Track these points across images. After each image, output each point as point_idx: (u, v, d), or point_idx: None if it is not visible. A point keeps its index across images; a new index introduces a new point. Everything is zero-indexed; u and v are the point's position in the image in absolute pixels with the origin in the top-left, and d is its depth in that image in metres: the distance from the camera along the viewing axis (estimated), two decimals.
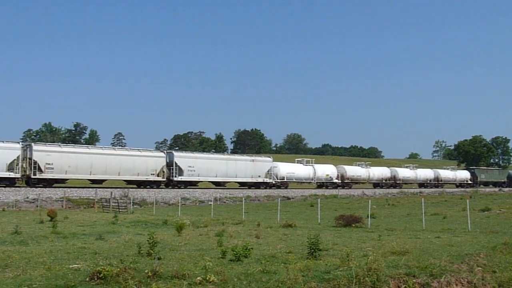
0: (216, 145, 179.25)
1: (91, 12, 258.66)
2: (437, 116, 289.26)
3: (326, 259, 11.92)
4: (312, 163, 67.18)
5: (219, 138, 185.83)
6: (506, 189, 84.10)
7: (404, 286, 10.01)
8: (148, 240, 12.59)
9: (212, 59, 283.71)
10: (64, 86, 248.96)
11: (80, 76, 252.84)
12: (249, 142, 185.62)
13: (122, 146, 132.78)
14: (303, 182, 64.67)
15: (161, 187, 49.30)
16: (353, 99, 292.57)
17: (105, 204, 33.72)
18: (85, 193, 39.68)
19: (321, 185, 65.97)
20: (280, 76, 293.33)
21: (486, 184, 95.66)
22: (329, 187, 65.33)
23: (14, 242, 15.46)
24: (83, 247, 14.19)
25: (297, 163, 66.50)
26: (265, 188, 56.57)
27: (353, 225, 20.97)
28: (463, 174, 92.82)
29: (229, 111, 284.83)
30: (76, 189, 41.88)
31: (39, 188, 39.33)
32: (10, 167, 40.61)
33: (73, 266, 10.91)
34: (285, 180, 60.58)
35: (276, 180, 59.09)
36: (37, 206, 33.52)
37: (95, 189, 40.54)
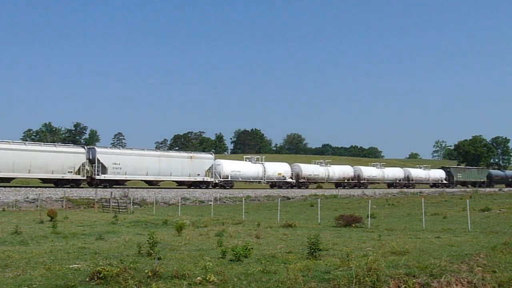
0: (216, 145, 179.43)
1: (91, 12, 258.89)
2: (437, 116, 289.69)
3: (326, 259, 11.92)
4: (262, 161, 62.22)
5: (219, 138, 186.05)
6: (506, 189, 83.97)
7: (404, 286, 10.00)
8: (148, 240, 12.59)
9: (212, 59, 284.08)
10: (64, 86, 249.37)
11: (80, 76, 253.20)
12: (249, 142, 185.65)
13: (123, 146, 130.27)
14: (252, 182, 59.99)
15: (82, 186, 44.79)
16: (353, 99, 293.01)
17: (105, 204, 33.75)
18: (85, 193, 39.69)
19: (273, 185, 61.52)
20: (280, 76, 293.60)
21: (463, 184, 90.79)
22: (282, 187, 60.77)
23: (14, 242, 15.46)
24: (83, 247, 14.19)
25: (246, 160, 62.03)
26: (207, 188, 52.18)
27: (353, 225, 20.97)
28: (438, 174, 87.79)
29: (229, 111, 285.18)
30: (76, 189, 41.92)
31: (39, 188, 39.36)
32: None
33: (73, 266, 10.91)
34: (230, 179, 55.85)
35: (220, 179, 54.71)
36: (37, 206, 33.52)
37: (95, 189, 40.55)
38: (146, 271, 9.64)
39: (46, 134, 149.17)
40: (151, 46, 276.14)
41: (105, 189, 42.66)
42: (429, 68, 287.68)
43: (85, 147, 48.77)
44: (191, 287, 9.18)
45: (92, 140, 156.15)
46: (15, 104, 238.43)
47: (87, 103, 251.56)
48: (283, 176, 62.14)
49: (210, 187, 53.70)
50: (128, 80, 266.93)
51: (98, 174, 45.23)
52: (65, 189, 40.15)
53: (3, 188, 37.91)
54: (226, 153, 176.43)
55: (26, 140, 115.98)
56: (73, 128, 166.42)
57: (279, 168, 62.72)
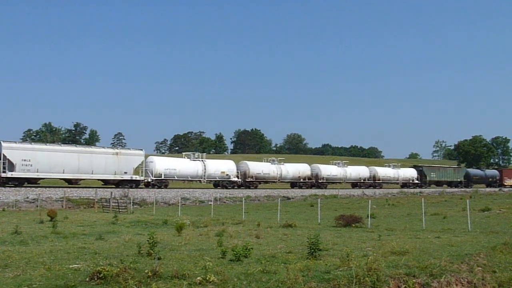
0: (216, 145, 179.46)
1: (91, 12, 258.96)
2: (437, 116, 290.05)
3: (326, 259, 11.92)
4: (203, 157, 57.72)
5: (219, 138, 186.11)
6: (506, 189, 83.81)
7: (404, 286, 10.00)
8: (148, 240, 12.58)
9: (212, 59, 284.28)
10: (64, 86, 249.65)
11: (80, 76, 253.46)
12: (249, 142, 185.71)
13: (123, 146, 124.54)
14: (190, 181, 55.61)
15: None
16: (353, 99, 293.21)
17: (105, 204, 33.75)
18: (85, 193, 39.71)
19: (217, 184, 56.48)
20: (280, 76, 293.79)
21: (438, 184, 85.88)
22: (228, 187, 56.05)
23: (14, 242, 15.45)
24: (83, 247, 14.18)
25: (185, 157, 57.33)
26: (136, 188, 47.53)
27: (353, 225, 20.97)
28: (408, 173, 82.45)
29: (229, 111, 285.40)
30: (76, 189, 41.93)
31: (39, 188, 39.32)
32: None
33: (73, 266, 10.90)
34: (163, 177, 51.12)
35: (152, 177, 50.28)
36: (37, 206, 33.52)
37: (95, 189, 40.54)
38: (146, 271, 9.63)
39: (46, 134, 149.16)
40: (151, 46, 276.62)
41: (15, 188, 39.35)
42: (429, 69, 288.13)
43: None
44: (191, 287, 9.17)
45: (92, 140, 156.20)
46: (15, 104, 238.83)
47: (87, 103, 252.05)
48: (227, 174, 57.10)
49: (142, 186, 49.67)
50: (128, 80, 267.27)
51: (4, 172, 40.40)
52: (65, 189, 40.15)
53: (3, 188, 37.92)
54: (226, 153, 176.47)
55: (26, 140, 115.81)
56: (73, 128, 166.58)
57: (222, 166, 57.75)
